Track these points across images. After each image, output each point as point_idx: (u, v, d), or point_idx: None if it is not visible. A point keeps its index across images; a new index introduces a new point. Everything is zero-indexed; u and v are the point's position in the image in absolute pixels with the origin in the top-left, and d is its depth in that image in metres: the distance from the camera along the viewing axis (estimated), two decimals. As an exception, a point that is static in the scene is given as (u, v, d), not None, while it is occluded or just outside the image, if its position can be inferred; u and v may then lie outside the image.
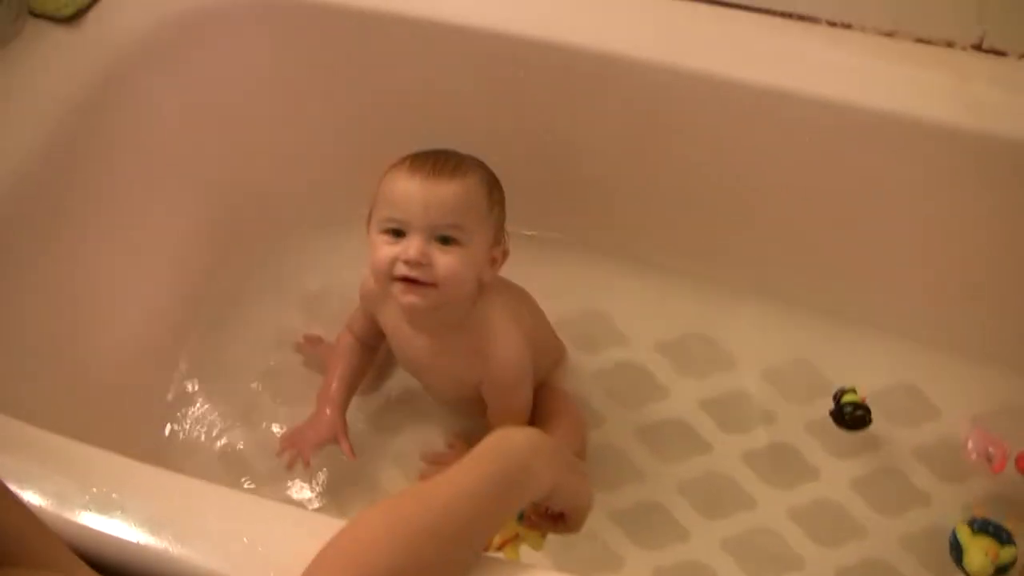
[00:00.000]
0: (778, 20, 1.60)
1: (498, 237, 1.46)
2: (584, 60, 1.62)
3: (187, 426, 1.67)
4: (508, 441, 1.05)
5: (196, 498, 1.17)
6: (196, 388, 1.71)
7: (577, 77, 1.64)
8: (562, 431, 1.55)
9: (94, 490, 1.14)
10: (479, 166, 1.44)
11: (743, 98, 1.58)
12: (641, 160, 1.73)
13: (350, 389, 1.62)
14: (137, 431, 1.59)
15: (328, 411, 1.58)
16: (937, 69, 1.54)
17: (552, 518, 1.16)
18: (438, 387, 1.63)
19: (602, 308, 1.81)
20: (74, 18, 1.59)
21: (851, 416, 1.61)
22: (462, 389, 1.57)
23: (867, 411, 1.60)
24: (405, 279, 1.39)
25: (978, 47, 1.55)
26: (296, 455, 1.56)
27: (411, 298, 1.40)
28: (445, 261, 1.38)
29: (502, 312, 1.50)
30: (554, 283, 1.67)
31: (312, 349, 1.75)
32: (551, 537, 1.22)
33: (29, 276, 1.45)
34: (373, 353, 1.67)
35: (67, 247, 1.52)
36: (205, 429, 1.68)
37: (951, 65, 1.55)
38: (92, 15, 1.61)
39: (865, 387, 1.65)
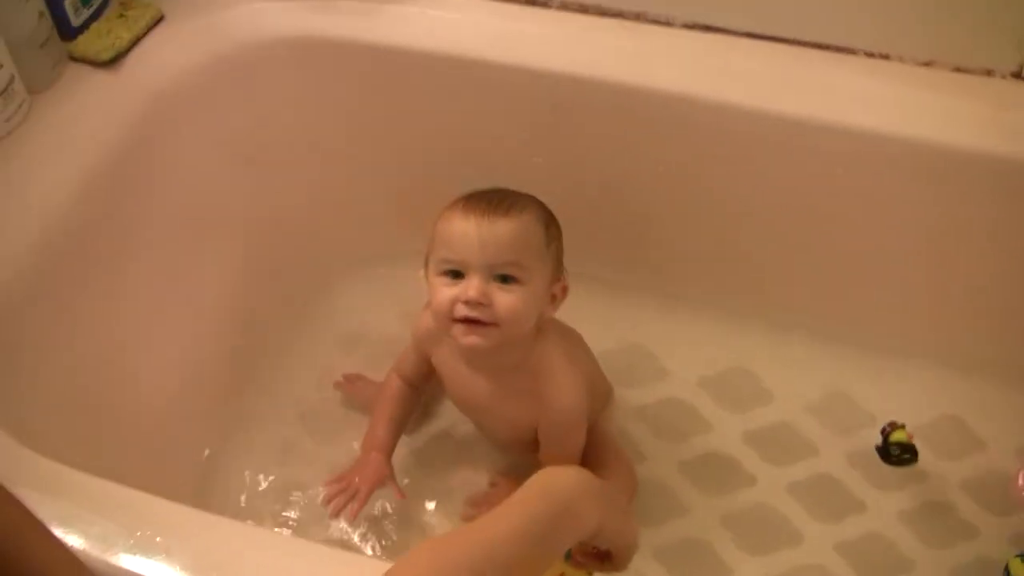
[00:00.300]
0: (815, 52, 1.59)
1: (556, 273, 1.45)
2: (621, 95, 1.61)
3: (228, 468, 1.67)
4: (554, 480, 1.04)
5: (240, 541, 1.18)
6: (237, 429, 1.71)
7: (614, 112, 1.64)
8: (612, 476, 1.54)
9: (139, 533, 1.15)
10: (534, 202, 1.43)
11: (781, 131, 1.57)
12: (679, 195, 1.72)
13: (397, 433, 1.60)
14: (178, 474, 1.59)
15: (376, 456, 1.55)
16: (976, 98, 1.53)
17: (598, 557, 1.16)
18: (493, 428, 1.62)
19: (642, 344, 1.81)
20: (113, 62, 1.60)
21: (898, 458, 1.59)
22: (518, 430, 1.56)
23: (914, 453, 1.58)
24: (466, 320, 1.38)
25: (1017, 75, 1.54)
26: (343, 504, 1.51)
27: (472, 339, 1.39)
28: (505, 300, 1.37)
29: (561, 353, 1.48)
30: (594, 319, 1.65)
31: (351, 388, 1.74)
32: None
33: (70, 322, 1.46)
34: (420, 396, 1.65)
35: (107, 292, 1.52)
36: (246, 471, 1.67)
37: (990, 94, 1.53)
38: (131, 59, 1.62)
39: (909, 419, 1.63)
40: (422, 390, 1.65)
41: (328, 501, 1.52)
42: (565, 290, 1.47)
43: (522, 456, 1.63)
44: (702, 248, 1.78)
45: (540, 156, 1.73)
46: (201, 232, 1.69)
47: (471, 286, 1.36)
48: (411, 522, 1.62)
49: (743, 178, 1.66)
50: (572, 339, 1.58)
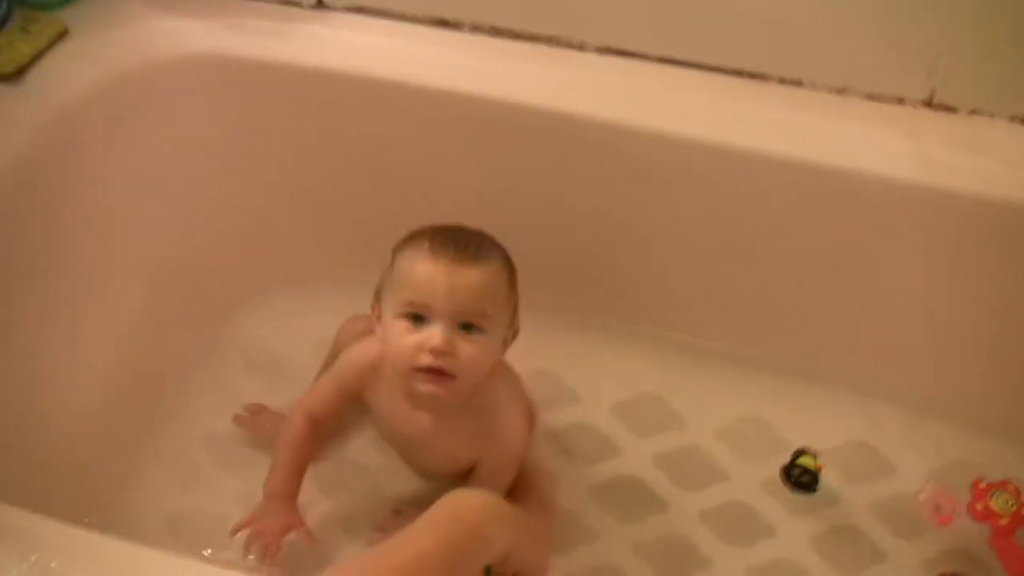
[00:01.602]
0: (729, 78, 1.60)
1: (512, 319, 1.43)
2: (533, 118, 1.61)
3: (133, 495, 1.62)
4: (461, 504, 1.03)
5: (140, 564, 1.14)
6: (144, 455, 1.66)
7: (528, 135, 1.64)
8: (539, 500, 1.54)
9: (33, 558, 1.11)
10: (497, 247, 1.41)
11: (693, 158, 1.57)
12: (592, 215, 1.72)
13: (300, 478, 1.53)
14: (82, 501, 1.53)
15: (282, 504, 1.49)
16: (888, 126, 1.55)
17: None
18: (427, 464, 1.58)
19: (554, 369, 1.79)
20: (14, 76, 1.56)
21: (796, 479, 1.62)
22: (456, 464, 1.53)
23: (814, 480, 1.60)
24: (428, 369, 1.35)
25: (928, 103, 1.56)
26: (264, 548, 1.46)
27: (431, 388, 1.36)
28: (468, 351, 1.34)
29: (507, 390, 1.47)
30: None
31: (252, 422, 1.68)
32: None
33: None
34: (323, 436, 1.59)
35: (6, 319, 1.48)
36: (152, 497, 1.62)
37: (902, 122, 1.55)
38: (33, 72, 1.58)
39: (821, 444, 1.66)
40: (327, 432, 1.60)
41: (248, 547, 1.47)
42: (516, 333, 1.45)
43: (444, 486, 1.59)
44: (615, 270, 1.78)
45: (461, 181, 1.72)
46: (106, 256, 1.65)
47: (436, 334, 1.33)
48: (316, 550, 1.57)
49: (655, 202, 1.66)
50: (508, 367, 1.56)
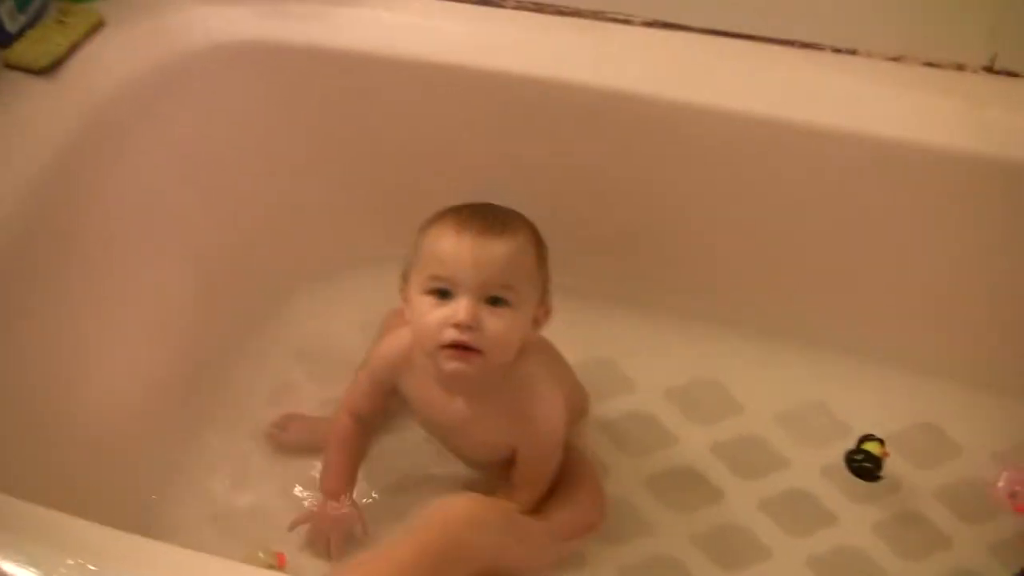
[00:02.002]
0: (780, 48, 1.56)
1: (543, 296, 1.40)
2: (584, 97, 1.58)
3: (178, 490, 1.60)
4: (447, 511, 0.99)
5: (180, 568, 1.12)
6: (189, 448, 1.64)
7: (579, 115, 1.60)
8: (582, 498, 1.51)
9: (70, 561, 1.09)
10: (526, 223, 1.38)
11: (746, 131, 1.54)
12: (643, 198, 1.68)
13: (354, 476, 1.54)
14: (124, 497, 1.52)
15: (338, 502, 1.50)
16: (947, 94, 1.50)
17: None
18: (468, 450, 1.56)
19: (606, 355, 1.75)
20: (50, 69, 1.54)
21: (859, 465, 1.56)
22: (495, 452, 1.51)
23: (877, 467, 1.55)
24: (453, 345, 1.32)
25: (989, 69, 1.51)
26: (325, 547, 1.48)
27: (456, 365, 1.33)
28: (495, 325, 1.32)
29: (542, 372, 1.44)
30: (557, 331, 1.60)
31: (285, 434, 1.65)
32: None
33: (10, 345, 1.39)
34: (372, 434, 1.58)
35: (50, 313, 1.45)
36: (198, 493, 1.60)
37: (962, 89, 1.50)
38: (69, 66, 1.56)
39: (883, 427, 1.61)
40: (376, 427, 1.59)
41: (309, 545, 1.50)
42: (548, 313, 1.42)
43: (494, 474, 1.56)
44: (669, 253, 1.74)
45: (503, 161, 1.69)
46: (150, 245, 1.63)
47: (461, 308, 1.31)
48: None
49: (710, 180, 1.62)
50: (547, 350, 1.53)
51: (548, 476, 1.49)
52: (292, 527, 1.50)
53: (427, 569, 0.93)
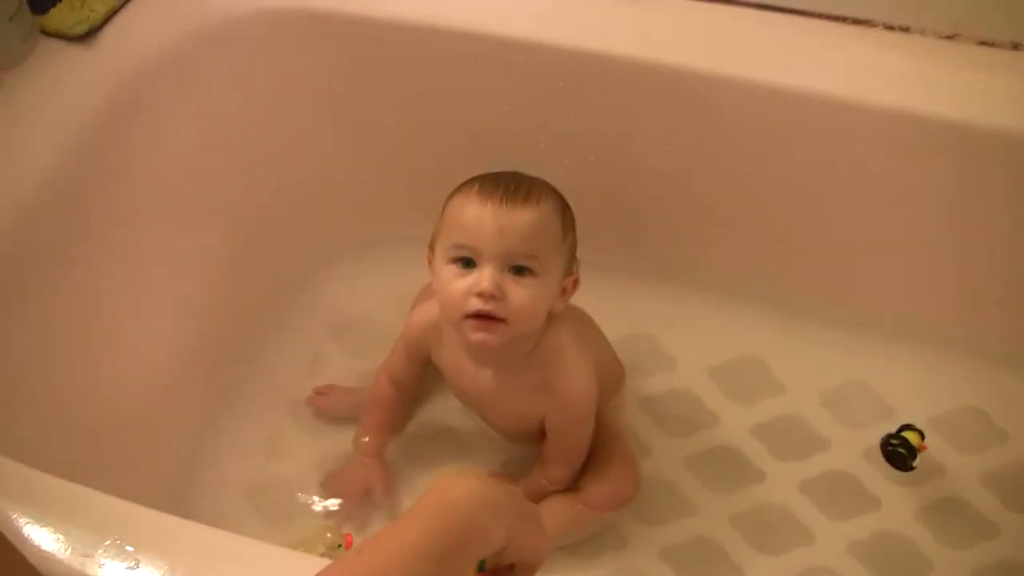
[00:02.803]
0: (830, 24, 1.52)
1: (570, 266, 1.38)
2: (624, 70, 1.54)
3: (213, 462, 1.59)
4: (450, 495, 0.95)
5: (215, 548, 1.11)
6: (223, 422, 1.63)
7: (619, 88, 1.56)
8: (616, 471, 1.50)
9: (107, 542, 1.09)
10: (551, 191, 1.36)
11: (795, 108, 1.50)
12: (688, 176, 1.65)
13: (385, 438, 1.57)
14: (158, 471, 1.52)
15: (368, 461, 1.55)
16: (1002, 73, 1.46)
17: (501, 570, 1.07)
18: (500, 421, 1.55)
19: (648, 332, 1.73)
20: (87, 36, 1.52)
21: (893, 450, 1.52)
22: (525, 422, 1.50)
23: (911, 455, 1.51)
24: (477, 315, 1.31)
25: (1047, 48, 1.47)
26: (345, 505, 1.54)
27: (481, 335, 1.32)
28: (519, 294, 1.30)
29: (572, 342, 1.42)
30: (597, 307, 1.58)
31: (324, 401, 1.66)
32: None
33: (41, 312, 1.38)
34: (412, 402, 1.60)
35: (83, 281, 1.44)
36: (232, 465, 1.60)
37: (1018, 68, 1.46)
38: (106, 33, 1.54)
39: (928, 410, 1.61)
40: (415, 396, 1.61)
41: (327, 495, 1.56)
42: (576, 283, 1.40)
43: (528, 446, 1.56)
44: (710, 231, 1.71)
45: (542, 134, 1.65)
46: (183, 216, 1.61)
47: (484, 277, 1.29)
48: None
49: (754, 157, 1.59)
50: (582, 320, 1.52)
51: (580, 450, 1.48)
52: (323, 484, 1.55)
53: (436, 553, 0.89)
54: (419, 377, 1.56)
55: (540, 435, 1.50)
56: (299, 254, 1.79)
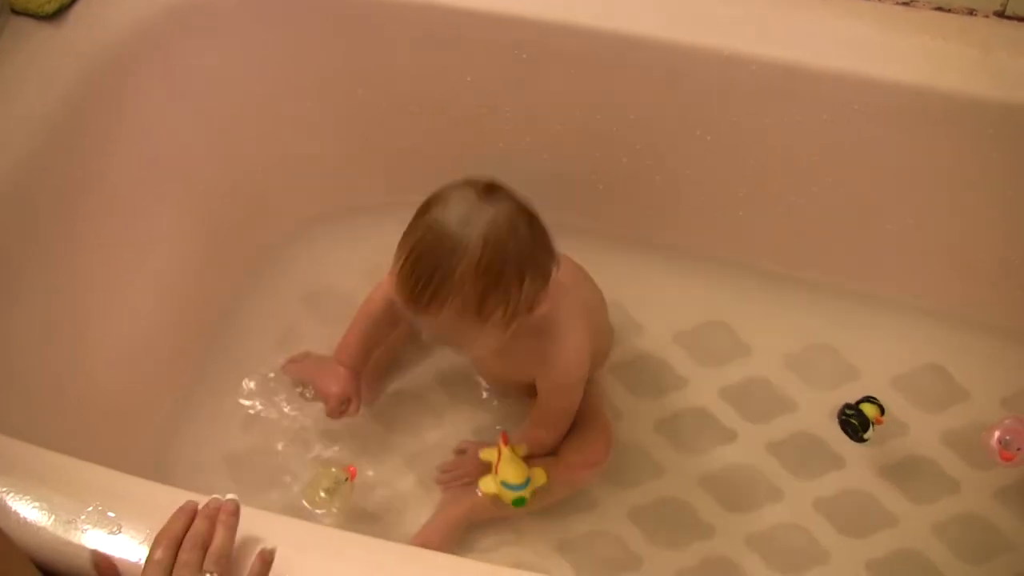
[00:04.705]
0: (789, -10, 1.54)
1: (516, 310, 1.33)
2: (594, 41, 1.55)
3: (189, 433, 1.62)
4: None
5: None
6: (198, 393, 1.66)
7: (588, 59, 1.57)
8: (593, 436, 1.54)
9: (89, 508, 1.11)
10: (466, 279, 1.28)
11: (760, 76, 1.51)
12: (656, 143, 1.66)
13: (370, 350, 1.58)
14: (136, 441, 1.53)
15: (345, 372, 1.56)
16: (958, 39, 1.48)
17: None
18: (490, 376, 1.61)
19: (615, 297, 1.72)
20: (57, 15, 1.53)
21: (846, 419, 1.55)
22: (515, 380, 1.55)
23: (863, 428, 1.53)
24: None
25: (1001, 14, 1.49)
26: (331, 412, 1.57)
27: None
28: (462, 348, 1.37)
29: (570, 315, 1.43)
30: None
31: (299, 368, 1.67)
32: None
33: (18, 288, 1.39)
34: (396, 324, 1.59)
35: (59, 256, 1.46)
36: (207, 435, 1.62)
37: (973, 34, 1.48)
38: (75, 11, 1.54)
39: (891, 370, 1.65)
40: (400, 320, 1.58)
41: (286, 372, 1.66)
42: (539, 301, 1.35)
43: (517, 402, 1.60)
44: (676, 196, 1.73)
45: (508, 105, 1.66)
46: (157, 192, 1.62)
47: (429, 341, 1.38)
48: (381, 487, 1.59)
49: (720, 125, 1.60)
50: (581, 288, 1.54)
51: (566, 416, 1.51)
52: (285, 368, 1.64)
53: None
54: None
55: (531, 391, 1.52)
56: (271, 226, 1.80)
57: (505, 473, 1.44)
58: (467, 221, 1.28)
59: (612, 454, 1.57)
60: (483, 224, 1.28)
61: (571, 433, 1.54)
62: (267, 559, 1.06)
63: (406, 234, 1.32)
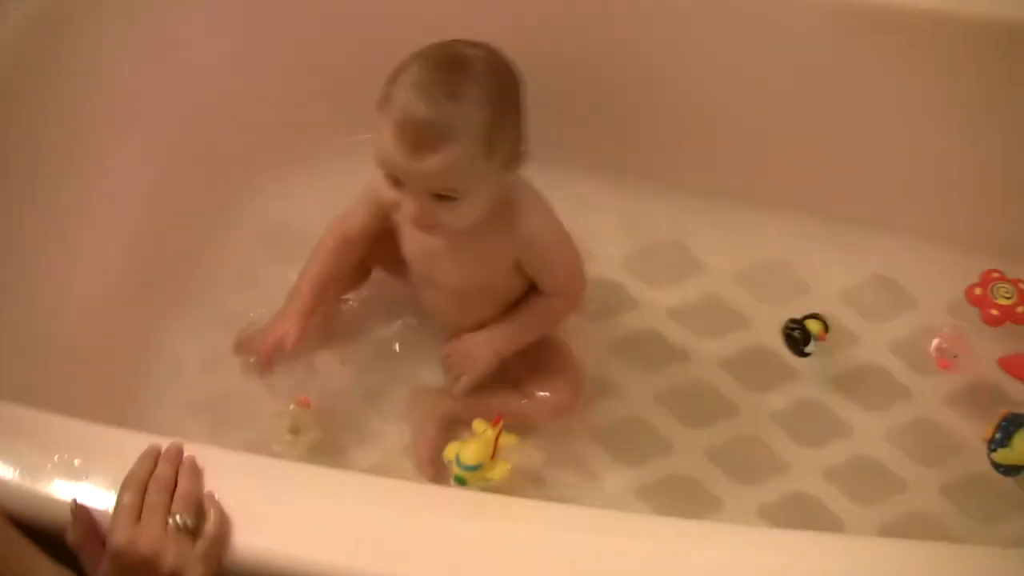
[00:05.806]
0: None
1: (511, 153, 1.34)
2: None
3: (152, 379, 1.62)
4: None
5: (161, 455, 1.13)
6: (160, 339, 1.65)
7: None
8: (562, 382, 1.55)
9: (56, 457, 1.12)
10: (476, 105, 1.27)
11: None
12: (612, 65, 1.68)
13: (316, 296, 1.54)
14: (100, 391, 1.52)
15: (290, 315, 1.52)
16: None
17: None
18: (458, 281, 1.50)
19: (567, 220, 1.73)
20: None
21: (788, 334, 1.60)
22: (490, 276, 1.48)
23: (804, 342, 1.58)
24: None
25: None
26: (258, 361, 1.55)
27: (429, 231, 1.35)
28: (448, 215, 1.30)
29: (527, 189, 1.43)
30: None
31: (247, 347, 1.64)
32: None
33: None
34: (354, 257, 1.58)
35: (15, 201, 1.46)
36: (171, 380, 1.62)
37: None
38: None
39: (839, 282, 1.69)
40: (359, 254, 1.58)
41: (238, 352, 1.62)
42: (522, 158, 1.37)
43: (472, 328, 1.54)
44: (626, 116, 1.74)
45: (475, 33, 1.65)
46: (114, 136, 1.61)
47: (409, 207, 1.29)
48: (349, 427, 1.60)
49: (673, 43, 1.63)
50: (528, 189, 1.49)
51: (574, 273, 1.51)
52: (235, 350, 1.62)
53: None
54: (373, 236, 1.54)
55: (493, 309, 1.52)
56: (226, 168, 1.78)
57: (466, 450, 1.43)
58: (460, 52, 1.31)
59: (583, 398, 1.58)
60: (477, 54, 1.31)
61: (539, 378, 1.54)
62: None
63: (392, 79, 1.30)
